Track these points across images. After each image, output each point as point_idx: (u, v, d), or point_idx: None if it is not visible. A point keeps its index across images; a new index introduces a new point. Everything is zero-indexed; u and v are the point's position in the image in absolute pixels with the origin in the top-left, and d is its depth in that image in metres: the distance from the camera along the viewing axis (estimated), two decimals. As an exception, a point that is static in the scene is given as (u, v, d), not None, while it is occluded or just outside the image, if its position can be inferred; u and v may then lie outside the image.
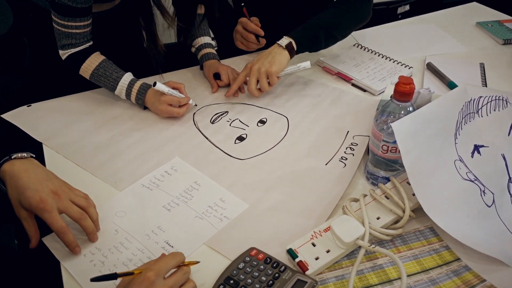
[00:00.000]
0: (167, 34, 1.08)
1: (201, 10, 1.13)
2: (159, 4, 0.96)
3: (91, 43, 1.01)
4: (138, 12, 0.96)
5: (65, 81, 1.14)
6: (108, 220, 0.73)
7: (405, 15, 2.58)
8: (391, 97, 0.83)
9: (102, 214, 0.73)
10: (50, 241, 0.70)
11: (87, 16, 0.96)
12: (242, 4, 1.21)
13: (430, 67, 1.15)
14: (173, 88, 0.98)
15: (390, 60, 1.18)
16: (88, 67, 0.99)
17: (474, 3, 1.58)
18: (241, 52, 1.24)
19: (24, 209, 0.67)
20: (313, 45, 1.07)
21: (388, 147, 0.74)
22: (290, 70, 1.04)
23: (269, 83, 1.01)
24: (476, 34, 1.35)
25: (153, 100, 0.98)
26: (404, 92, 0.70)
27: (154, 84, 0.94)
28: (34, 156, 0.73)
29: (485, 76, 1.12)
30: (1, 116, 1.00)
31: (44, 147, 0.91)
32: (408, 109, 0.72)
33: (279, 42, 1.03)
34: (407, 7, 2.53)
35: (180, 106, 0.98)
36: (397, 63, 1.16)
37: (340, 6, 1.10)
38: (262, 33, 1.19)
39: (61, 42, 0.98)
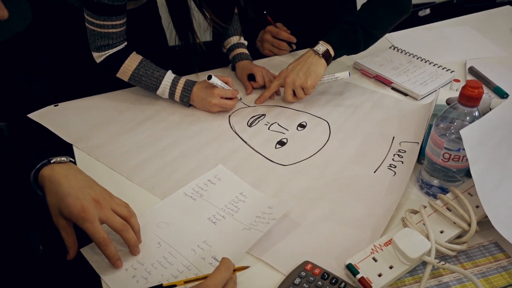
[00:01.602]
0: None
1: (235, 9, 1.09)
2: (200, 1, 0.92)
3: (126, 43, 0.97)
4: (176, 9, 0.91)
5: (87, 81, 1.11)
6: (149, 232, 0.68)
7: (426, 19, 2.54)
8: (447, 102, 0.79)
9: (143, 224, 0.68)
10: (89, 253, 0.65)
11: (123, 14, 0.92)
12: (265, 12, 1.18)
13: (473, 71, 1.10)
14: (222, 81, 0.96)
15: (430, 64, 1.13)
16: (127, 68, 0.95)
17: (508, 6, 1.53)
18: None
19: (63, 217, 0.63)
20: (352, 48, 1.00)
21: (450, 155, 0.69)
22: (327, 80, 0.98)
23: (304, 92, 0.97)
24: (513, 38, 1.31)
25: (203, 95, 0.95)
26: (472, 96, 0.65)
27: (209, 77, 0.91)
28: (73, 160, 0.68)
29: (531, 81, 1.07)
30: (28, 116, 0.96)
31: (74, 149, 0.87)
32: (474, 114, 0.67)
33: (315, 48, 0.96)
34: (427, 11, 2.49)
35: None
36: (438, 67, 1.11)
37: (376, 1, 1.02)
38: (294, 40, 1.17)
39: (97, 44, 0.93)
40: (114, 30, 0.92)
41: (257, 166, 0.83)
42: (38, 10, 1.12)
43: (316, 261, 0.63)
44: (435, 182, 0.74)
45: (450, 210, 0.68)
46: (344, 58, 1.10)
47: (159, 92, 0.97)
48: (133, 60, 0.95)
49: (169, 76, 0.96)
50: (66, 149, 0.87)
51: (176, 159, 0.84)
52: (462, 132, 0.64)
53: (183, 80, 0.97)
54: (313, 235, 0.69)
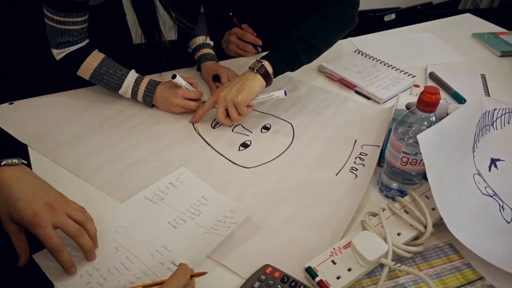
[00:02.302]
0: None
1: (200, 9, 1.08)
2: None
3: (88, 40, 0.94)
4: (141, 8, 0.89)
5: (45, 78, 1.07)
6: (107, 237, 0.66)
7: (391, 23, 2.60)
8: (406, 106, 0.81)
9: (101, 229, 0.66)
10: (41, 259, 0.62)
11: (85, 10, 0.89)
12: (231, 14, 1.17)
13: (433, 77, 1.13)
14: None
15: (392, 68, 1.15)
16: (89, 66, 0.92)
17: (468, 14, 1.59)
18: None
19: (14, 222, 0.60)
20: (292, 62, 0.94)
21: (408, 159, 0.70)
22: (262, 99, 0.91)
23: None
24: (473, 45, 1.35)
25: (166, 95, 0.93)
26: (430, 102, 0.66)
27: (174, 76, 0.90)
28: (25, 162, 0.66)
29: (487, 87, 1.11)
30: (-20, 115, 0.92)
31: (29, 150, 0.84)
32: (431, 119, 0.69)
33: (251, 65, 0.91)
34: (393, 16, 2.55)
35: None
36: (400, 71, 1.14)
37: (319, 13, 0.99)
38: (260, 42, 1.17)
39: (56, 40, 0.90)
40: (75, 27, 0.89)
41: (220, 168, 0.82)
42: None
43: (276, 264, 0.63)
44: (394, 185, 0.76)
45: (407, 213, 0.69)
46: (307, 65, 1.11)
47: (121, 91, 0.95)
48: (95, 58, 0.92)
49: (132, 75, 0.94)
50: (20, 150, 0.84)
51: (137, 161, 0.82)
52: (419, 137, 0.65)
53: (146, 79, 0.95)
54: (275, 239, 0.69)
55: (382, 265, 0.63)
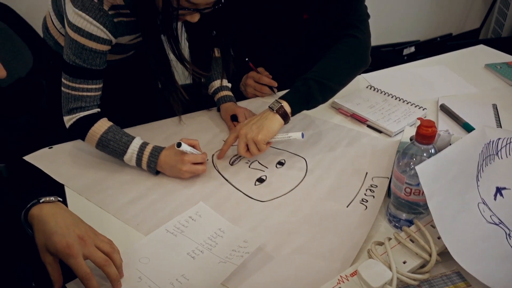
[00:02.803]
0: (180, 74, 1.10)
1: (217, 53, 1.16)
2: (178, 52, 0.95)
3: (99, 109, 0.98)
4: (156, 62, 0.96)
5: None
6: (131, 267, 0.72)
7: (411, 56, 2.65)
8: (410, 139, 0.85)
9: (126, 260, 0.72)
10: (73, 287, 0.69)
11: (100, 78, 0.95)
12: (247, 59, 1.26)
13: (444, 109, 1.17)
14: (189, 145, 0.94)
15: (403, 102, 1.20)
16: (96, 131, 0.94)
17: (481, 45, 1.62)
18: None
19: (49, 253, 0.67)
20: (308, 102, 1.01)
21: (411, 189, 0.74)
22: (280, 139, 0.98)
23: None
24: (486, 76, 1.38)
25: (172, 162, 0.93)
26: (426, 135, 0.71)
27: (179, 145, 0.90)
28: (61, 200, 0.74)
29: (499, 117, 1.13)
30: (24, 158, 1.02)
31: (66, 189, 0.92)
32: (430, 151, 0.73)
33: (270, 105, 0.98)
34: (412, 49, 2.60)
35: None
36: (411, 105, 1.18)
37: (333, 55, 1.07)
38: (275, 84, 1.24)
39: (69, 106, 0.94)
40: (88, 94, 0.94)
41: (237, 202, 0.88)
42: (38, 57, 1.20)
43: (289, 292, 0.67)
44: (401, 215, 0.79)
45: (413, 242, 0.72)
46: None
47: (126, 157, 0.95)
48: (103, 124, 0.95)
49: (137, 141, 0.95)
50: (58, 189, 0.93)
51: (161, 197, 0.89)
52: (417, 168, 0.69)
53: (150, 146, 0.95)
54: (286, 268, 0.73)
55: (388, 292, 0.65)
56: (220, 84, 1.18)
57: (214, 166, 0.99)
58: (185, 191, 0.91)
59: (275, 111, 0.96)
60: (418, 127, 0.72)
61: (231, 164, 1.00)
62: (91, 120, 0.95)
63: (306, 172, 0.97)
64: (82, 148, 1.06)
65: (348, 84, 1.09)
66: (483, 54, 1.55)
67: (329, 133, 1.11)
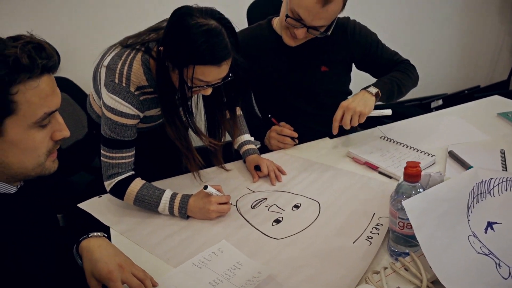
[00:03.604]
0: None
1: (239, 112, 1.33)
2: (192, 124, 1.13)
3: (133, 172, 1.14)
4: (173, 131, 1.11)
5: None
6: (162, 292, 0.85)
7: (438, 110, 2.72)
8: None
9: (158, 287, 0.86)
10: (113, 308, 0.82)
11: (132, 147, 1.12)
12: (269, 115, 1.43)
13: (452, 155, 1.25)
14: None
15: (413, 150, 1.30)
16: (132, 191, 1.10)
17: (496, 96, 1.70)
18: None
19: (95, 278, 0.82)
20: (389, 97, 1.33)
21: (403, 223, 0.83)
22: (376, 114, 1.27)
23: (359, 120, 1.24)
24: (497, 124, 1.46)
25: (200, 205, 1.07)
26: (411, 174, 0.81)
27: (205, 187, 1.06)
28: (106, 235, 0.89)
29: (505, 161, 1.20)
30: (78, 205, 1.20)
31: (111, 229, 1.08)
32: (418, 189, 0.83)
33: (368, 89, 1.29)
34: (440, 102, 2.68)
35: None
36: (420, 152, 1.28)
37: (404, 71, 1.41)
38: (296, 134, 1.39)
39: (108, 173, 1.11)
40: (123, 161, 1.11)
41: (255, 240, 1.00)
42: (93, 122, 1.41)
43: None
44: (402, 248, 0.87)
45: (407, 270, 0.80)
46: (339, 147, 1.35)
47: (160, 209, 1.09)
48: (137, 184, 1.11)
49: (168, 193, 1.10)
50: (104, 229, 1.09)
51: (189, 236, 1.03)
52: (404, 202, 0.79)
53: (179, 195, 1.10)
54: (294, 295, 0.83)
55: (382, 314, 0.73)
56: (246, 138, 1.34)
57: (237, 209, 1.13)
58: (210, 230, 1.05)
59: (373, 94, 1.27)
60: (405, 168, 0.83)
61: (253, 208, 1.13)
62: (127, 182, 1.11)
63: (318, 214, 1.07)
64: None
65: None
66: (497, 103, 1.63)
67: (343, 179, 1.22)
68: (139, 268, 0.86)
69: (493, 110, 1.55)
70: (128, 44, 1.10)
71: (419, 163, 0.83)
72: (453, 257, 0.79)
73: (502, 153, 1.24)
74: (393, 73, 1.39)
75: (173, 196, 1.10)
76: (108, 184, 1.12)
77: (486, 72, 3.13)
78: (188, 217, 1.10)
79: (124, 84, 1.06)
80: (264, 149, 1.46)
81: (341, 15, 1.32)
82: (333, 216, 1.06)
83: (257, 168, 1.27)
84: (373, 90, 1.28)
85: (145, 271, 0.87)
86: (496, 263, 0.80)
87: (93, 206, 1.19)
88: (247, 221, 1.07)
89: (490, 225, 0.86)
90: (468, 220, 0.85)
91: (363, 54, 1.42)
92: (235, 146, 1.35)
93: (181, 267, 0.93)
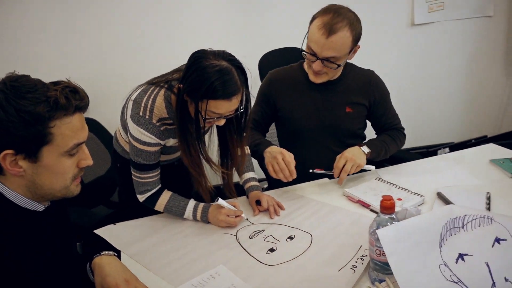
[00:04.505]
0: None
1: (247, 150, 1.46)
2: (207, 158, 1.28)
3: (160, 185, 1.34)
4: (188, 160, 1.26)
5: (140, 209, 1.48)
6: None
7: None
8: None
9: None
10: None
11: (157, 168, 1.32)
12: (311, 170, 1.52)
13: (440, 196, 1.34)
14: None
15: (404, 190, 1.39)
16: (161, 203, 1.33)
17: (491, 144, 1.79)
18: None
19: (103, 291, 0.93)
20: (374, 158, 1.54)
21: (380, 251, 0.92)
22: (366, 167, 1.47)
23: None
24: (488, 169, 1.54)
25: (214, 213, 1.29)
26: (386, 206, 0.92)
27: (217, 199, 1.28)
28: (116, 254, 1.01)
29: (489, 203, 1.28)
30: (94, 231, 1.33)
31: (121, 253, 1.20)
32: (393, 221, 0.92)
33: (362, 148, 1.48)
34: (447, 150, 2.76)
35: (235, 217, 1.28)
36: (411, 193, 1.37)
37: (395, 138, 1.61)
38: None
39: (139, 189, 1.33)
40: (151, 180, 1.31)
41: (250, 266, 1.10)
42: (118, 156, 1.56)
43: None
44: (380, 275, 0.96)
45: (382, 294, 0.89)
46: (337, 186, 1.47)
47: (185, 216, 1.32)
48: (165, 197, 1.33)
49: (191, 203, 1.33)
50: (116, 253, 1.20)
51: (190, 261, 1.14)
52: (378, 231, 0.89)
53: (201, 205, 1.32)
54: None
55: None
56: (250, 176, 1.46)
57: (237, 239, 1.23)
58: (211, 256, 1.15)
59: (365, 153, 1.47)
60: (381, 201, 0.93)
61: (251, 238, 1.23)
62: (156, 196, 1.33)
63: (310, 245, 1.17)
64: (137, 225, 1.35)
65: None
66: (491, 151, 1.71)
67: (337, 215, 1.31)
68: (143, 284, 0.97)
69: (487, 157, 1.63)
70: (154, 82, 1.29)
71: (392, 197, 0.93)
72: (423, 283, 0.87)
73: (488, 196, 1.32)
74: (386, 137, 1.60)
75: (196, 205, 1.32)
76: (140, 198, 1.34)
77: (493, 122, 3.21)
78: (208, 222, 1.32)
79: (147, 117, 1.23)
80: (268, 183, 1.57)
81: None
82: (323, 247, 1.15)
83: (258, 202, 1.38)
84: (366, 150, 1.49)
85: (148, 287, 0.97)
86: (464, 290, 0.88)
87: (107, 232, 1.32)
88: (244, 249, 1.17)
89: (461, 256, 0.94)
90: (440, 251, 0.93)
91: (375, 106, 1.60)
92: (240, 182, 1.47)
93: (181, 287, 1.03)
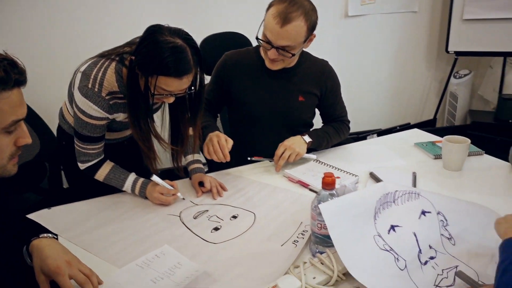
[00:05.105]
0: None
1: (191, 132, 1.46)
2: (156, 135, 1.28)
3: (102, 156, 1.33)
4: (137, 134, 1.24)
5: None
6: (108, 289, 0.94)
7: (374, 142, 2.99)
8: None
9: (102, 286, 0.94)
10: (60, 302, 0.89)
11: (101, 141, 1.30)
12: (249, 158, 1.58)
13: (373, 175, 1.44)
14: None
15: (341, 171, 1.47)
16: (101, 173, 1.32)
17: (416, 129, 1.95)
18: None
19: (43, 274, 0.89)
20: (315, 148, 1.62)
21: (321, 225, 0.98)
22: (305, 156, 1.53)
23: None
24: (413, 152, 1.68)
25: (150, 190, 1.30)
26: (327, 182, 0.97)
27: (151, 175, 1.28)
28: (55, 236, 0.97)
29: (415, 181, 1.40)
30: (26, 216, 1.25)
31: (59, 237, 1.15)
32: (334, 197, 0.98)
33: (304, 137, 1.54)
34: (375, 136, 2.94)
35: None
36: (346, 173, 1.45)
37: (338, 130, 1.68)
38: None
39: (80, 158, 1.31)
40: (93, 151, 1.30)
41: (195, 245, 1.11)
42: (64, 133, 1.47)
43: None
44: (319, 247, 1.02)
45: (323, 264, 0.94)
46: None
47: (124, 188, 1.33)
48: (106, 168, 1.33)
49: (132, 177, 1.33)
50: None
51: (134, 242, 1.12)
52: (320, 206, 0.94)
53: (141, 180, 1.33)
54: (228, 287, 0.94)
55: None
56: (193, 158, 1.46)
57: (180, 219, 1.23)
58: (154, 237, 1.14)
59: (306, 142, 1.53)
60: (323, 178, 0.99)
61: (195, 218, 1.24)
62: (97, 166, 1.32)
63: (253, 223, 1.20)
64: (74, 209, 1.30)
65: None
66: (415, 135, 1.86)
67: (278, 195, 1.36)
68: (86, 266, 0.94)
69: (412, 141, 1.77)
70: (105, 55, 1.25)
71: (333, 174, 0.99)
72: (360, 252, 0.94)
73: (414, 175, 1.44)
74: (330, 129, 1.66)
75: (136, 180, 1.34)
76: (81, 166, 1.33)
77: (416, 111, 3.48)
78: (146, 198, 1.33)
79: (96, 90, 1.20)
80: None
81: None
82: (266, 225, 1.19)
83: (201, 184, 1.39)
84: (307, 139, 1.54)
85: (91, 269, 0.95)
86: (395, 257, 0.96)
87: (42, 216, 1.25)
88: (189, 229, 1.18)
89: (392, 227, 1.02)
90: (375, 223, 1.01)
91: (325, 96, 1.65)
92: (185, 163, 1.46)
93: (125, 267, 1.01)
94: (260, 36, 1.46)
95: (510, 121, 2.99)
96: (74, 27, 2.24)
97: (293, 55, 1.46)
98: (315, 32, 1.49)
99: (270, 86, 1.59)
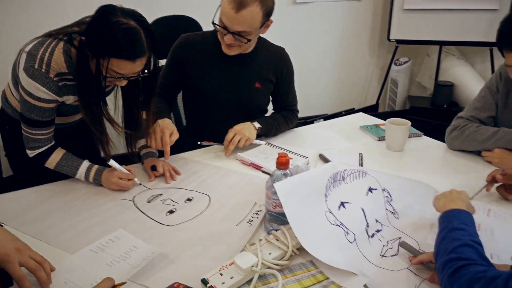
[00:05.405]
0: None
1: (145, 116, 1.43)
2: (109, 118, 1.24)
3: (53, 142, 1.27)
4: (88, 117, 1.20)
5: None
6: (60, 276, 0.91)
7: (321, 127, 3.09)
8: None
9: (55, 272, 0.92)
10: (11, 291, 0.86)
11: (51, 125, 1.24)
12: (199, 142, 1.57)
13: (322, 157, 1.50)
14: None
15: (292, 153, 1.52)
16: (52, 161, 1.27)
17: (360, 113, 2.04)
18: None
19: (-8, 262, 0.85)
20: (264, 135, 1.64)
21: (276, 203, 1.01)
22: (255, 142, 1.57)
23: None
24: (359, 134, 1.76)
25: (106, 176, 1.26)
26: (282, 162, 1.00)
27: (108, 160, 1.25)
28: (2, 224, 0.93)
29: (362, 161, 1.47)
30: (-34, 205, 1.18)
31: (4, 226, 1.09)
32: (287, 176, 1.02)
33: (254, 123, 1.56)
34: (321, 120, 3.04)
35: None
36: (297, 155, 1.50)
37: (287, 119, 1.72)
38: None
39: (29, 145, 1.24)
40: (42, 137, 1.24)
41: (149, 228, 1.10)
42: (7, 117, 1.38)
43: (185, 282, 0.89)
44: (273, 225, 1.05)
45: (278, 240, 0.98)
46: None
47: (77, 176, 1.28)
48: (57, 155, 1.27)
49: (85, 164, 1.28)
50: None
51: (88, 227, 1.10)
52: (275, 184, 0.97)
53: (95, 167, 1.29)
54: (183, 267, 0.95)
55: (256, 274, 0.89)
56: (145, 142, 1.44)
57: (134, 204, 1.22)
58: (108, 222, 1.12)
59: (256, 128, 1.56)
60: (277, 158, 1.02)
61: (148, 202, 1.23)
62: (47, 154, 1.26)
63: (208, 205, 1.22)
64: (18, 197, 1.25)
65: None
66: (360, 119, 1.96)
67: (231, 177, 1.38)
68: (37, 253, 0.91)
69: (357, 124, 1.86)
70: (52, 34, 1.19)
71: (287, 154, 1.02)
72: (313, 228, 0.99)
73: (360, 156, 1.52)
74: (279, 117, 1.70)
75: (90, 167, 1.29)
76: (30, 153, 1.26)
77: (359, 97, 3.63)
78: (100, 185, 1.28)
79: (43, 70, 1.14)
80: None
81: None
82: (221, 206, 1.21)
83: (154, 168, 1.38)
84: (257, 125, 1.58)
85: (42, 256, 0.92)
86: (345, 231, 1.02)
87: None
88: (143, 213, 1.17)
89: (342, 204, 1.08)
90: (326, 200, 1.06)
91: (280, 83, 1.67)
92: (136, 148, 1.44)
93: (78, 253, 0.99)
94: (216, 21, 1.45)
95: (445, 106, 3.21)
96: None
97: (249, 40, 1.46)
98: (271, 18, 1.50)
99: (227, 71, 1.59)
